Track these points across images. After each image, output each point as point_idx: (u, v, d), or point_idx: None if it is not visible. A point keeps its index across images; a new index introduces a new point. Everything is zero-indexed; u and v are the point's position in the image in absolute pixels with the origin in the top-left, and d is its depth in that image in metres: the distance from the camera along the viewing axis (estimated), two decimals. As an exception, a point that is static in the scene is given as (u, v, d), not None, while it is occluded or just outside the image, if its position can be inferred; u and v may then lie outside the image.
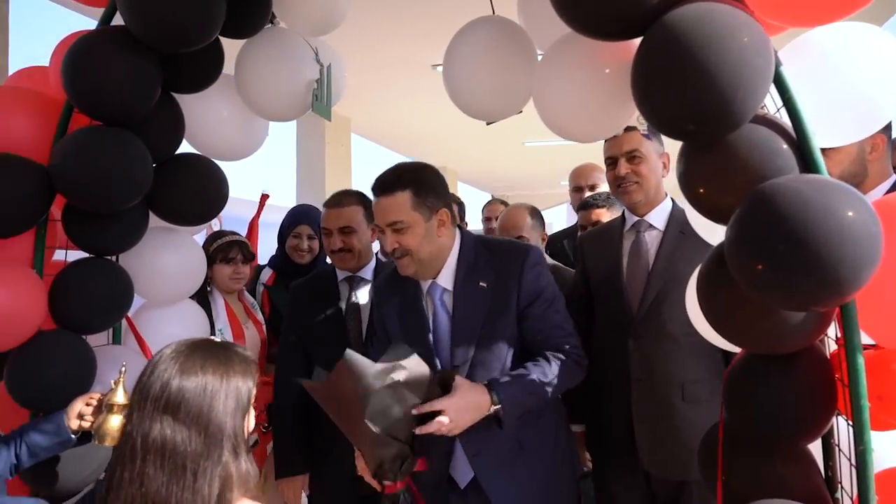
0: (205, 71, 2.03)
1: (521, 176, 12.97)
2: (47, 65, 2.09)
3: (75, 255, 2.08)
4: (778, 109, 1.34)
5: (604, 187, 3.29)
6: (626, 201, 2.13)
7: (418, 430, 1.58)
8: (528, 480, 1.77)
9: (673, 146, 1.51)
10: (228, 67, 2.13)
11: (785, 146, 1.25)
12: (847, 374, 1.27)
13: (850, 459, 1.29)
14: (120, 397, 1.62)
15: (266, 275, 3.10)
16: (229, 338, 2.63)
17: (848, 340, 1.27)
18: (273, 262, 3.17)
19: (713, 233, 1.63)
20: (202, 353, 1.24)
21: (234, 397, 1.20)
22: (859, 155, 1.80)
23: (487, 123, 1.88)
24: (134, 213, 2.02)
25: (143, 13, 1.69)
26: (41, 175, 1.83)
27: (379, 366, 1.55)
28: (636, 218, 2.12)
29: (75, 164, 1.78)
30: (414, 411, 1.56)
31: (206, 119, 2.16)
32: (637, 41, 1.31)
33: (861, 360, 1.24)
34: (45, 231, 1.98)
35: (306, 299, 2.36)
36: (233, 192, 2.29)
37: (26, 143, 1.88)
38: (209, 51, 1.95)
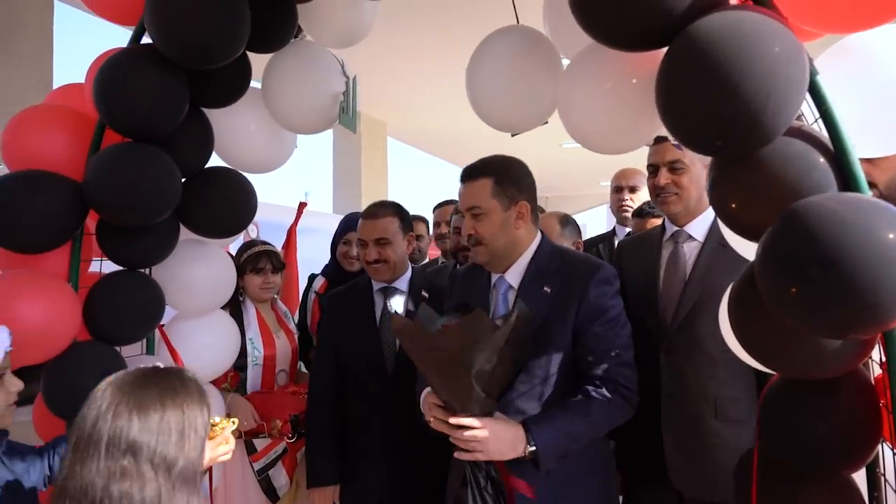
0: (232, 86, 2.05)
1: (558, 177, 12.83)
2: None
3: (111, 265, 2.13)
4: (815, 121, 1.27)
5: (644, 191, 3.24)
6: (664, 211, 2.07)
7: (453, 439, 1.59)
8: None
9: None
10: (256, 81, 2.15)
11: (822, 160, 1.18)
12: (893, 401, 1.19)
13: None
14: None
15: (318, 283, 3.13)
16: (260, 347, 2.66)
17: (892, 365, 1.19)
18: (325, 270, 3.20)
19: (748, 248, 1.56)
20: (154, 384, 1.12)
21: (196, 429, 1.10)
22: None
23: (512, 135, 1.85)
24: (165, 226, 2.06)
25: (169, 32, 1.71)
26: (75, 191, 1.88)
27: (498, 329, 1.56)
28: (676, 228, 2.06)
29: (106, 180, 1.82)
30: (452, 420, 1.57)
31: (234, 132, 2.18)
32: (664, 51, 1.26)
33: (907, 387, 1.16)
34: (80, 245, 2.03)
35: (342, 309, 2.38)
36: (271, 198, 2.33)
37: (61, 159, 1.93)
38: (236, 66, 1.97)
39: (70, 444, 1.07)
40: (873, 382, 1.29)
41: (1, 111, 3.30)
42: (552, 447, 1.60)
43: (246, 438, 2.58)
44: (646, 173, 3.30)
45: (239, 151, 2.23)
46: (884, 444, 1.27)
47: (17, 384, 1.43)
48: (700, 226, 2.02)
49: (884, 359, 1.22)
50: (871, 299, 1.01)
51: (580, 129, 1.63)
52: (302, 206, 3.58)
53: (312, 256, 3.62)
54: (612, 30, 1.25)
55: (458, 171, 1.81)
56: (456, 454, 1.60)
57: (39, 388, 1.97)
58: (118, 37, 1.97)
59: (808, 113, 1.29)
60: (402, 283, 2.35)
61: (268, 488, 2.63)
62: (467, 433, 1.55)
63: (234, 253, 2.88)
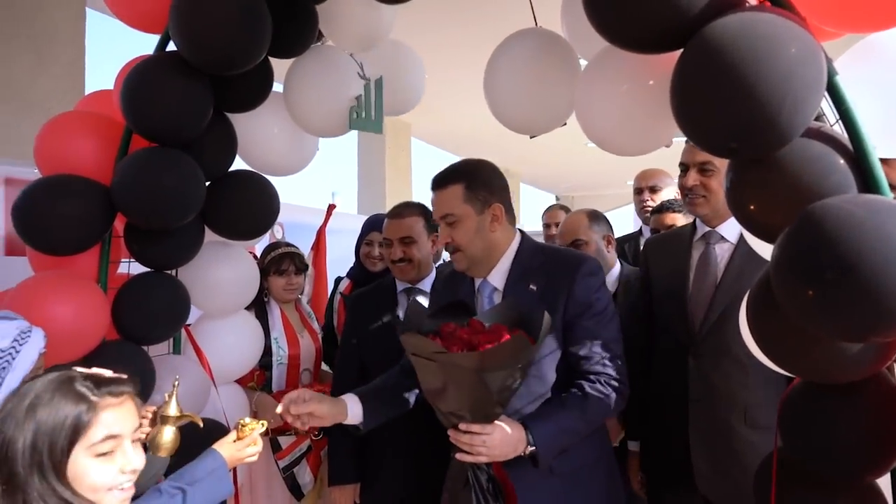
0: (254, 91, 2.09)
1: (583, 177, 12.74)
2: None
3: (138, 266, 2.18)
4: (836, 122, 1.25)
5: (667, 191, 3.22)
6: (692, 212, 2.03)
7: (455, 442, 1.57)
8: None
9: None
10: (278, 85, 2.19)
11: (841, 161, 1.16)
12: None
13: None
14: (173, 410, 1.67)
15: (344, 284, 3.17)
16: (284, 346, 2.70)
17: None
18: (351, 271, 3.24)
19: (767, 250, 1.54)
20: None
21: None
22: None
23: (531, 137, 1.85)
24: (190, 228, 2.11)
25: (193, 39, 1.75)
26: (104, 195, 1.94)
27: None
28: (707, 228, 2.00)
29: (133, 184, 1.87)
30: (462, 426, 1.55)
31: (257, 136, 2.22)
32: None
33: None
34: (109, 247, 2.09)
35: (365, 309, 2.38)
36: (296, 199, 2.35)
37: (90, 164, 1.99)
38: (258, 71, 2.01)
39: None
40: (897, 387, 1.26)
41: (37, 117, 3.41)
42: (550, 445, 1.60)
43: (271, 436, 2.62)
44: (667, 172, 3.31)
45: (262, 154, 2.27)
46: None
47: None
48: (733, 227, 1.95)
49: (909, 363, 1.20)
50: (891, 303, 0.99)
51: (597, 130, 1.62)
52: (331, 207, 3.62)
53: (338, 256, 3.66)
54: (627, 32, 1.24)
55: None
56: (458, 456, 1.59)
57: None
58: (149, 44, 2.02)
59: (830, 114, 1.27)
60: (427, 283, 2.34)
61: (292, 485, 2.67)
62: (476, 439, 1.54)
63: (259, 254, 2.93)
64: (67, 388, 1.12)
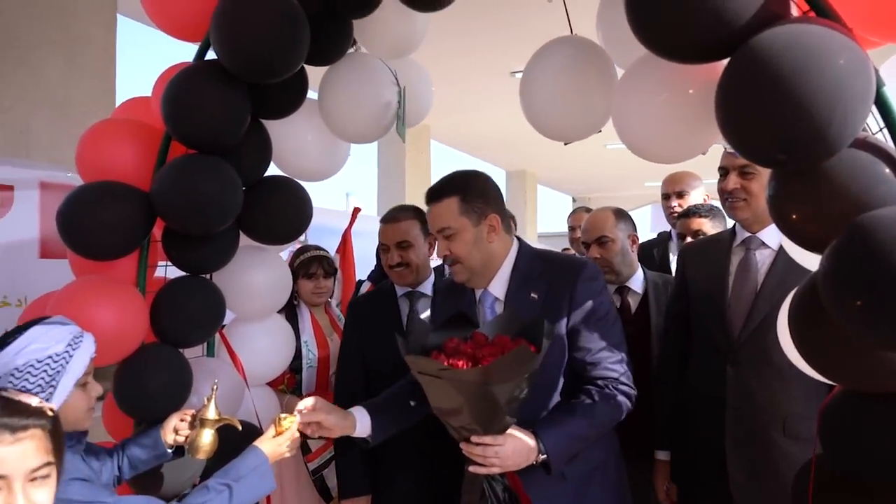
0: (290, 98, 2.12)
1: (601, 178, 12.70)
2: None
3: (175, 270, 2.22)
4: (879, 130, 1.25)
5: (694, 195, 3.19)
6: (732, 217, 2.01)
7: (467, 453, 1.57)
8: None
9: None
10: (312, 92, 2.21)
11: (888, 172, 1.16)
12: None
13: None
14: (212, 413, 1.71)
15: (365, 287, 3.19)
16: (314, 349, 2.74)
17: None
18: (372, 275, 3.26)
19: (808, 257, 1.54)
20: None
21: None
22: None
23: (565, 144, 1.86)
24: (226, 233, 2.14)
25: (235, 49, 1.78)
26: (144, 201, 1.97)
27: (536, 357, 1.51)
28: (747, 234, 1.98)
29: (173, 190, 1.90)
30: (474, 439, 1.55)
31: (291, 142, 2.25)
32: (723, 62, 1.26)
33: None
34: (148, 252, 2.13)
35: (366, 316, 2.34)
36: (317, 201, 2.36)
37: (130, 170, 2.03)
38: (294, 78, 2.03)
39: None
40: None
41: (69, 122, 3.47)
42: (561, 452, 1.61)
43: (301, 439, 2.65)
44: (693, 174, 3.28)
45: (295, 160, 2.30)
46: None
47: (98, 389, 1.52)
48: (774, 233, 1.93)
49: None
50: (942, 315, 0.99)
51: (635, 139, 1.63)
52: (356, 210, 3.65)
53: (357, 258, 3.68)
54: (672, 43, 1.25)
55: (502, 173, 1.81)
56: (471, 469, 1.59)
57: (109, 388, 2.07)
58: (178, 49, 2.06)
59: (872, 123, 1.27)
60: (427, 287, 2.32)
61: (322, 488, 2.70)
62: (489, 451, 1.53)
63: (284, 257, 2.96)
64: None
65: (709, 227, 2.63)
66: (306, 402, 1.75)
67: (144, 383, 2.00)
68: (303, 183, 2.35)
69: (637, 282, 2.52)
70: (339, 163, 2.41)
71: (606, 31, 1.78)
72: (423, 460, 2.18)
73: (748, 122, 1.14)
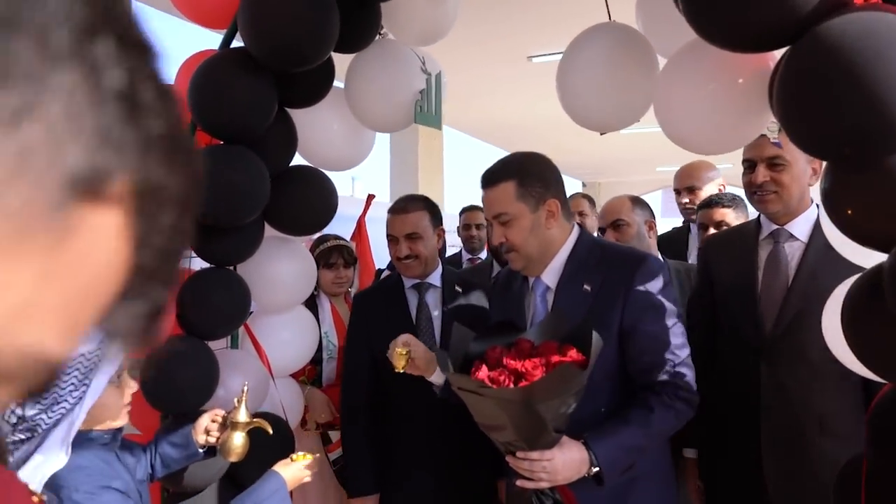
0: (316, 86, 2.07)
1: (612, 162, 12.60)
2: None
3: (199, 262, 2.19)
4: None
5: (706, 189, 3.06)
6: (761, 210, 1.94)
7: (516, 469, 1.49)
8: None
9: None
10: (338, 81, 2.17)
11: (956, 166, 1.12)
12: None
13: None
14: (243, 416, 1.68)
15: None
16: (334, 340, 2.71)
17: None
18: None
19: (858, 251, 1.49)
20: None
21: None
22: None
23: (601, 134, 1.81)
24: (252, 224, 2.10)
25: (264, 37, 1.74)
26: (170, 192, 1.93)
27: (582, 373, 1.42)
28: (775, 226, 1.92)
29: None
30: (519, 454, 1.47)
31: (316, 132, 2.21)
32: (779, 51, 1.21)
33: None
34: (173, 243, 2.09)
35: (373, 309, 2.26)
36: None
37: (156, 161, 1.99)
38: (320, 67, 1.99)
39: None
40: None
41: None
42: (615, 464, 1.51)
43: (322, 430, 2.64)
44: (707, 167, 3.19)
45: (320, 150, 2.26)
46: None
47: (133, 385, 1.50)
48: (802, 225, 1.88)
49: None
50: None
51: (679, 130, 1.58)
52: (370, 197, 3.61)
53: (372, 245, 3.64)
54: (730, 31, 1.20)
55: None
56: (519, 483, 1.50)
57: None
58: (197, 36, 2.01)
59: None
60: (435, 278, 2.24)
61: (344, 480, 2.69)
62: (536, 465, 1.45)
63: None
64: None
65: (732, 217, 2.56)
66: (404, 337, 1.78)
67: (172, 377, 1.98)
68: None
69: None
70: (365, 152, 2.37)
71: (647, 17, 1.72)
72: (436, 459, 2.12)
73: (813, 113, 1.09)
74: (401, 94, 2.08)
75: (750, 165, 1.90)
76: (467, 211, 4.18)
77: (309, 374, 2.69)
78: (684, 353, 1.60)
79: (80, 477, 1.30)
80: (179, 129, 0.28)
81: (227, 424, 1.69)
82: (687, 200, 3.09)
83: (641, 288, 1.57)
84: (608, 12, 1.77)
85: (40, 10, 0.22)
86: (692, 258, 2.97)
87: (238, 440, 1.67)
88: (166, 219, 0.27)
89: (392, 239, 2.23)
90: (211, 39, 2.01)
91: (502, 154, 1.86)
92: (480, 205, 2.00)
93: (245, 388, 1.69)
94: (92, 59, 0.23)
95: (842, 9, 1.12)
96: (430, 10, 2.02)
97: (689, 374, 1.59)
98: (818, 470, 1.76)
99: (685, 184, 3.08)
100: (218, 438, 1.72)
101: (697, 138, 1.56)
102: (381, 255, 3.44)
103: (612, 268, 1.62)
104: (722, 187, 3.12)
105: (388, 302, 2.25)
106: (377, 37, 2.12)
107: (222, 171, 1.87)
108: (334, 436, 2.71)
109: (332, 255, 2.75)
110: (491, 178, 1.68)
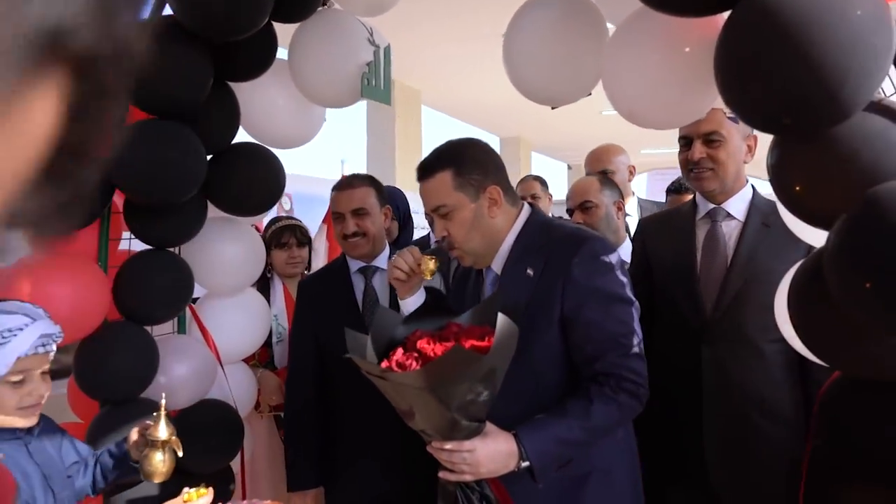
0: (258, 58, 1.97)
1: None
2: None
3: (140, 244, 2.10)
4: (893, 94, 1.12)
5: (620, 173, 2.94)
6: (697, 188, 1.90)
7: (438, 459, 1.39)
8: None
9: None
10: (283, 52, 2.07)
11: (905, 139, 1.05)
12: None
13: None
14: (163, 432, 1.48)
15: None
16: (284, 324, 2.63)
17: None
18: None
19: (811, 231, 1.43)
20: None
21: None
22: None
23: (552, 108, 1.72)
24: (192, 204, 2.01)
25: (192, 3, 1.63)
26: (100, 170, 1.84)
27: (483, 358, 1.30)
28: (711, 205, 1.89)
29: (129, 158, 1.77)
30: (435, 444, 1.37)
31: (261, 107, 2.11)
32: (723, 16, 1.13)
33: None
34: (108, 224, 2.00)
35: (317, 295, 2.16)
36: (304, 169, 2.23)
37: (86, 137, 1.89)
38: (261, 37, 1.89)
39: None
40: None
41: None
42: (548, 459, 1.40)
43: (275, 413, 2.58)
44: (616, 149, 3.12)
45: (266, 126, 2.16)
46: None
47: (42, 389, 1.41)
48: (739, 203, 1.86)
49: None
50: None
51: (627, 102, 1.50)
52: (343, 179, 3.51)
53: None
54: (667, -7, 1.12)
55: (496, 140, 1.64)
56: (441, 474, 1.39)
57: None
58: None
59: (887, 85, 1.15)
60: (382, 260, 2.14)
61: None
62: (456, 456, 1.35)
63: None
64: None
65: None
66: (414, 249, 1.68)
67: (106, 363, 1.90)
68: (295, 149, 2.22)
69: (625, 250, 2.42)
70: (314, 129, 2.27)
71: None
72: (382, 449, 2.03)
73: (750, 81, 1.01)
74: (346, 66, 1.98)
75: (686, 142, 1.85)
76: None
77: (261, 358, 2.63)
78: (631, 341, 1.47)
79: None
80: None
81: (147, 442, 1.49)
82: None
83: (580, 270, 1.46)
84: (557, -22, 1.67)
85: None
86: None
87: (159, 459, 1.47)
88: (103, 96, 0.27)
89: (338, 217, 2.13)
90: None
91: (485, 136, 1.77)
92: None
93: (162, 402, 1.49)
94: None
95: (785, -32, 1.04)
96: (376, -22, 1.91)
97: (636, 364, 1.46)
98: (759, 453, 1.74)
99: (597, 167, 2.97)
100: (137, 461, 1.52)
101: (647, 112, 1.48)
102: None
103: (556, 250, 1.51)
104: (632, 170, 3.07)
105: (333, 287, 2.16)
106: (321, 6, 2.01)
107: (154, 148, 1.78)
108: (288, 419, 2.64)
109: (284, 235, 2.67)
110: (426, 170, 1.57)
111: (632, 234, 2.56)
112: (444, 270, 2.20)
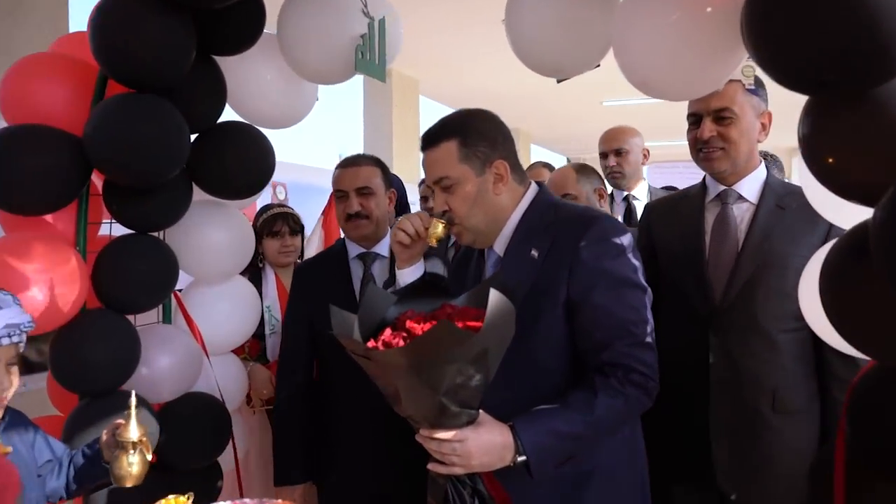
0: (244, 30, 1.85)
1: (597, 137, 12.40)
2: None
3: (122, 229, 1.99)
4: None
5: (634, 154, 2.99)
6: (707, 169, 1.80)
7: (427, 449, 1.30)
8: None
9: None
10: (272, 26, 1.95)
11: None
12: None
13: None
14: (133, 433, 1.36)
15: None
16: (277, 314, 2.54)
17: None
18: None
19: (839, 210, 1.32)
20: None
21: None
22: None
23: (558, 81, 1.61)
24: (177, 186, 1.91)
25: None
26: (75, 147, 1.73)
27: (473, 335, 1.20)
28: (722, 187, 1.79)
29: (106, 134, 1.66)
30: (423, 433, 1.27)
31: (249, 83, 2.00)
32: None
33: None
34: (87, 206, 1.89)
35: (313, 282, 2.09)
36: (300, 159, 2.13)
37: (62, 113, 1.78)
38: (248, 7, 1.78)
39: None
40: None
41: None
42: (547, 454, 1.30)
43: (267, 408, 2.48)
44: (636, 133, 3.07)
45: (254, 104, 2.05)
46: None
47: (7, 383, 1.32)
48: (751, 185, 1.76)
49: None
50: None
51: (640, 71, 1.38)
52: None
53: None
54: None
55: None
56: (430, 466, 1.30)
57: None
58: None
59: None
60: (383, 247, 2.05)
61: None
62: (445, 447, 1.25)
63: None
64: None
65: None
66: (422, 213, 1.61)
67: (84, 353, 1.80)
68: (289, 138, 2.11)
69: None
70: (305, 108, 2.15)
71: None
72: (377, 440, 1.94)
73: (789, 35, 0.90)
74: (338, 39, 1.86)
75: (695, 120, 1.75)
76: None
77: (251, 350, 2.53)
78: (642, 330, 1.37)
79: None
80: None
81: (117, 444, 1.37)
82: (614, 163, 3.00)
83: (589, 253, 1.36)
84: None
85: None
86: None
87: (128, 462, 1.36)
88: None
89: (341, 195, 2.05)
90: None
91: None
92: None
93: (133, 400, 1.36)
94: None
95: None
96: (371, -56, 1.80)
97: (646, 355, 1.36)
98: (769, 450, 1.65)
99: (612, 146, 2.98)
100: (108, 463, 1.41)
101: (663, 81, 1.36)
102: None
103: (562, 231, 1.41)
104: (646, 153, 3.05)
105: (330, 273, 2.07)
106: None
107: (131, 123, 1.66)
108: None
109: (276, 223, 2.57)
110: (431, 139, 1.48)
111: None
112: (444, 254, 2.11)
